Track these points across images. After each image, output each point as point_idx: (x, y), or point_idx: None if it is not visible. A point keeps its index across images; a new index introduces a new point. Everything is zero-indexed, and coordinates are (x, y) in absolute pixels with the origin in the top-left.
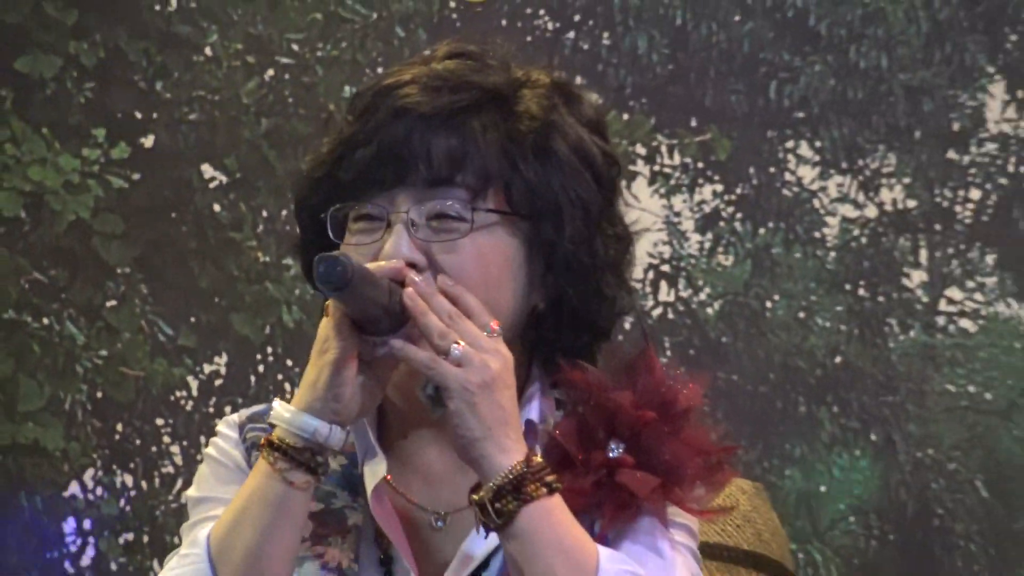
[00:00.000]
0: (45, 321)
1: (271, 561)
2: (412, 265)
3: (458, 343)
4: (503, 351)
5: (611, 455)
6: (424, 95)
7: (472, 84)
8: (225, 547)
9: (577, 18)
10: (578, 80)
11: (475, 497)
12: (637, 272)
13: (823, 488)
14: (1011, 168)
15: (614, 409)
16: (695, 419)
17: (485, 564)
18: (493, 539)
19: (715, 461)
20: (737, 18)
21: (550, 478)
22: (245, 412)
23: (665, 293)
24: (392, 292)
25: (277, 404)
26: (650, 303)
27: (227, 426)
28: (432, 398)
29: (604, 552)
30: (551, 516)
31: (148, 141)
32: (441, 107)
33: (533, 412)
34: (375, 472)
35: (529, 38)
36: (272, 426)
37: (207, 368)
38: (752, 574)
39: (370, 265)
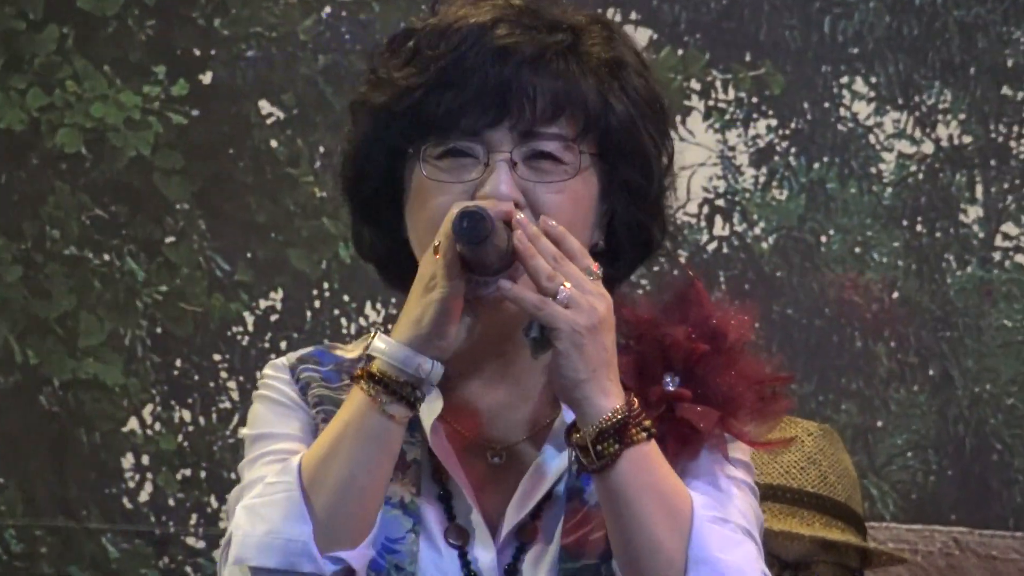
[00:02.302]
0: (106, 257)
1: (364, 492)
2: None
3: (565, 285)
4: (605, 293)
5: (668, 389)
6: (523, 35)
7: (561, 23)
8: (318, 476)
9: None
10: (632, 16)
11: (576, 437)
12: (691, 207)
13: (880, 423)
14: None
15: (668, 343)
16: (747, 350)
17: (545, 498)
18: (553, 477)
19: (770, 391)
20: None
21: (647, 422)
22: (292, 355)
23: (720, 227)
24: (503, 235)
25: (378, 340)
26: (705, 237)
27: (275, 368)
28: (537, 340)
29: (698, 499)
30: (649, 461)
31: (207, 78)
32: (544, 48)
33: None
34: (432, 408)
35: None
36: (370, 358)
37: (263, 303)
38: (815, 515)
39: (483, 204)
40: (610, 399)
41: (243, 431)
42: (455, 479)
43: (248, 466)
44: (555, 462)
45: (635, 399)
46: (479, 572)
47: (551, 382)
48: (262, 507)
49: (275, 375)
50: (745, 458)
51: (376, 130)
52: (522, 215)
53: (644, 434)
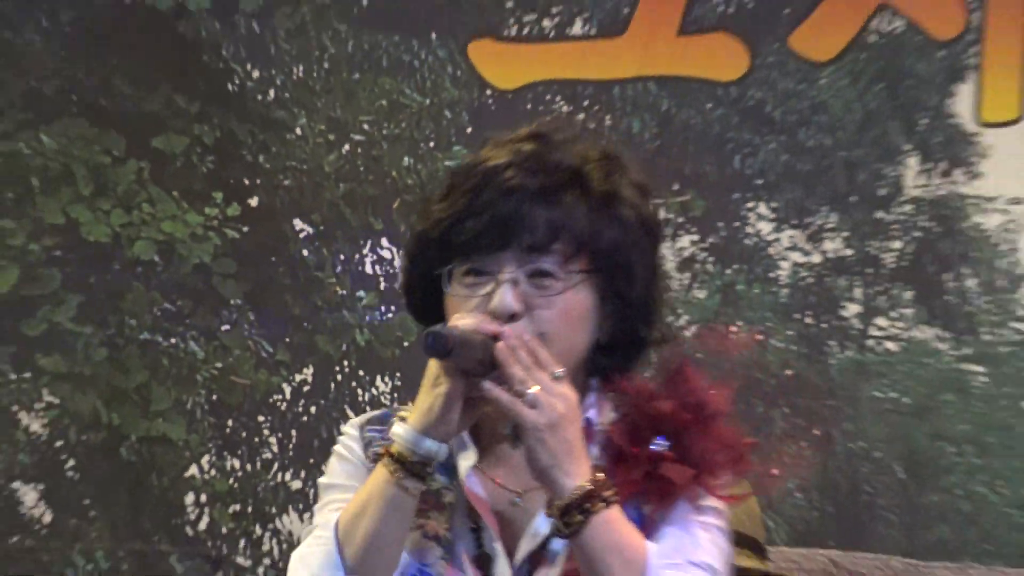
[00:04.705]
0: (173, 341)
1: (385, 546)
2: (512, 316)
3: (532, 389)
4: (568, 393)
5: (653, 449)
6: (525, 176)
7: (558, 165)
8: (349, 532)
9: (586, 103)
10: None
11: (551, 509)
12: None
13: (775, 470)
14: (922, 223)
15: (658, 413)
16: (724, 419)
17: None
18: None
19: (739, 454)
20: (709, 106)
21: (608, 493)
22: (364, 416)
23: None
24: (486, 346)
25: (397, 425)
26: None
27: (351, 427)
28: (511, 434)
29: (652, 548)
30: (609, 525)
31: (254, 201)
32: (540, 186)
33: (591, 414)
34: (467, 460)
35: (548, 119)
36: (391, 440)
37: (297, 377)
38: (732, 548)
39: (472, 321)
40: (573, 479)
41: (320, 479)
42: (483, 517)
43: (319, 511)
44: None
45: (599, 475)
46: None
47: (527, 465)
48: (308, 555)
49: (349, 433)
50: (718, 505)
51: (417, 253)
52: (509, 328)
53: (603, 504)
